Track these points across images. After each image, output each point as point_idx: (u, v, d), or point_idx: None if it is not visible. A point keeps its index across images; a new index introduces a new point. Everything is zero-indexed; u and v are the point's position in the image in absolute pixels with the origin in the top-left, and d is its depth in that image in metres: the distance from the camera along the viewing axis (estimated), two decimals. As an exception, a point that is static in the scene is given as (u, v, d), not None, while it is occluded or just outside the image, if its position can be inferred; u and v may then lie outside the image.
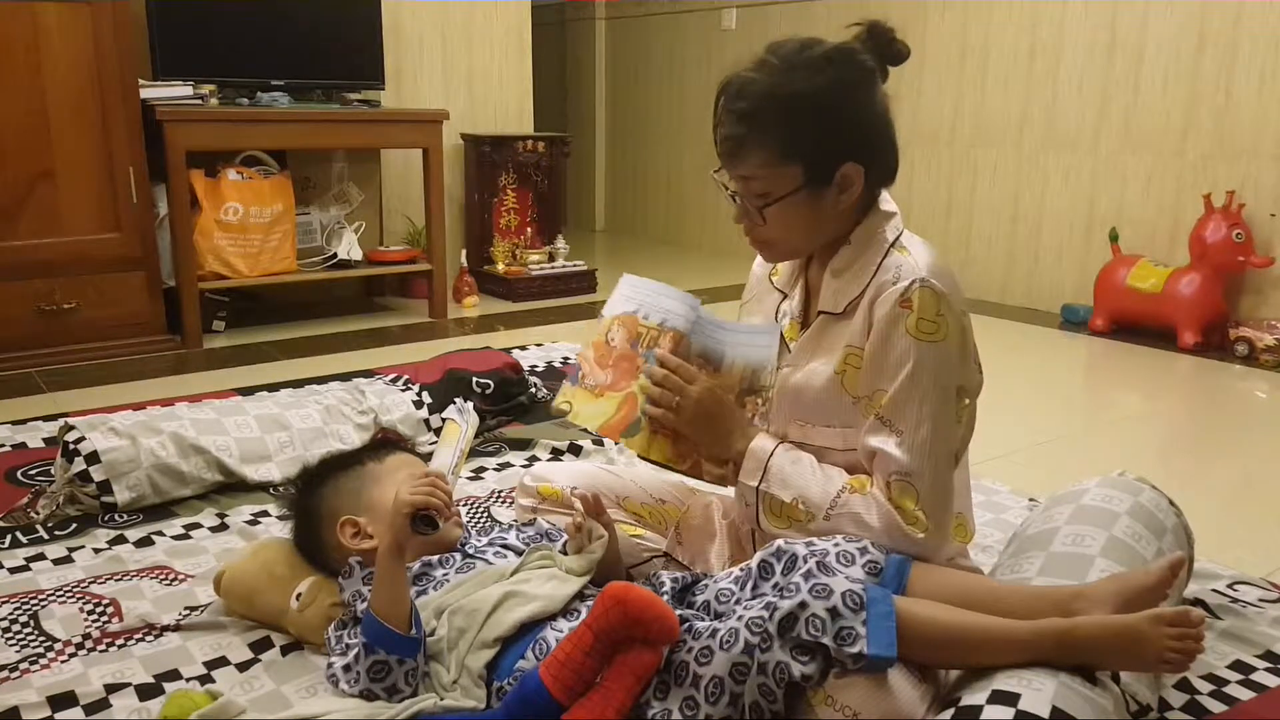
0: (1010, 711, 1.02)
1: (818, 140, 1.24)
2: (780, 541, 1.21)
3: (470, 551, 1.40)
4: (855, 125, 1.26)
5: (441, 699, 1.19)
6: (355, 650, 1.24)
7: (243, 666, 1.41)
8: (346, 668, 1.25)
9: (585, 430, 1.37)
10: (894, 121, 1.30)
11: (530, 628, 1.22)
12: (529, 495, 1.60)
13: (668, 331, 1.37)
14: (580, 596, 1.28)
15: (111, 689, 1.35)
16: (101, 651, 1.44)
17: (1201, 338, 3.48)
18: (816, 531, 1.26)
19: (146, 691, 1.35)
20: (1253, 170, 3.50)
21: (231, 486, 2.06)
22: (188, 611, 1.55)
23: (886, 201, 1.34)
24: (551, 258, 4.46)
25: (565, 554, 1.36)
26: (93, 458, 1.93)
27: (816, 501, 1.26)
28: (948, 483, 1.27)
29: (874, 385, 1.26)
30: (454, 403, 1.65)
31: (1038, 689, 1.05)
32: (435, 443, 2.29)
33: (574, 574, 1.31)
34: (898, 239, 1.31)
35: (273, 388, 2.70)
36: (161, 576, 1.68)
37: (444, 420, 1.59)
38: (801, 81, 1.23)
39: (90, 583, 1.65)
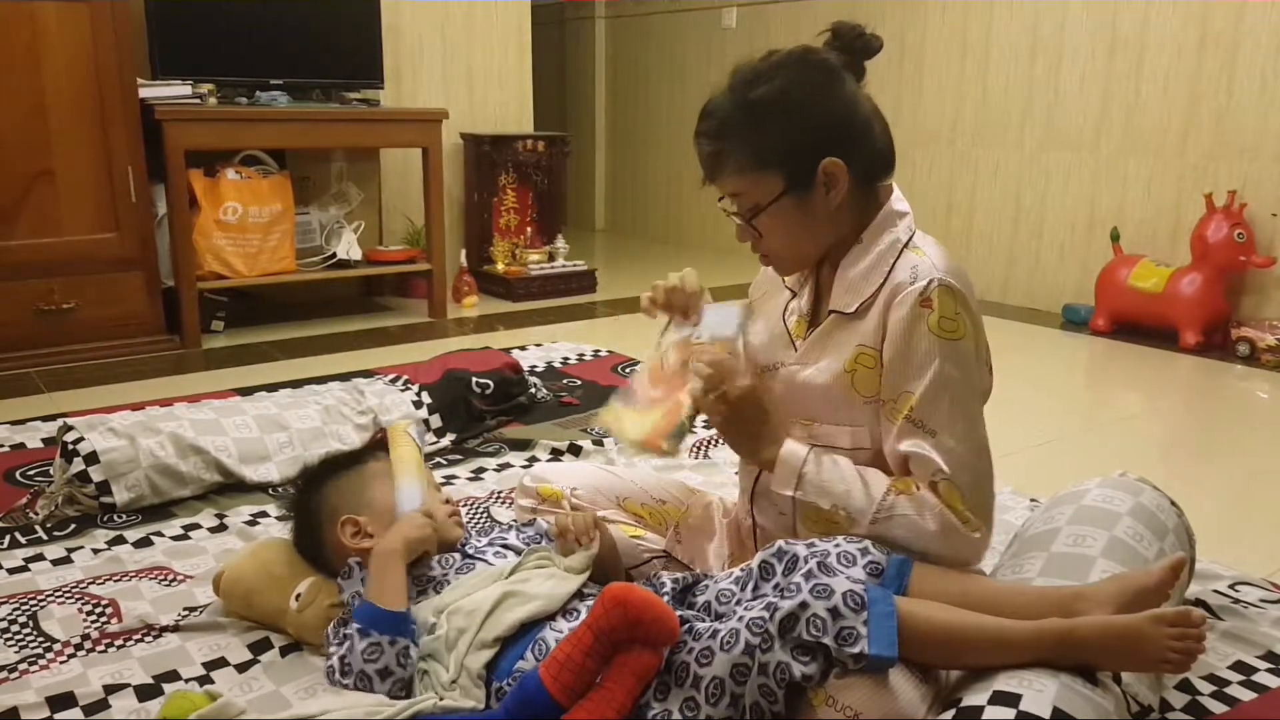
0: (1011, 712, 1.02)
1: (788, 142, 1.25)
2: (781, 542, 1.21)
3: (470, 552, 1.39)
4: (823, 120, 1.26)
5: (441, 699, 1.19)
6: (350, 638, 1.24)
7: (242, 667, 1.41)
8: (342, 657, 1.25)
9: (629, 445, 1.39)
10: (875, 110, 1.30)
11: (529, 628, 1.22)
12: (529, 495, 1.59)
13: (717, 343, 1.37)
14: (580, 595, 1.28)
15: (110, 690, 1.34)
16: (100, 652, 1.44)
17: (1203, 338, 3.47)
18: (860, 536, 1.24)
19: (145, 692, 1.34)
20: (1254, 170, 3.50)
21: (230, 487, 2.06)
22: (187, 612, 1.55)
23: (899, 201, 1.34)
24: (551, 257, 4.46)
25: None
26: (91, 458, 1.93)
27: (860, 507, 1.24)
28: (989, 477, 1.25)
29: (899, 388, 1.25)
30: (403, 421, 1.63)
31: (1039, 689, 1.05)
32: (434, 443, 2.30)
33: (573, 572, 1.31)
34: (910, 239, 1.31)
35: (272, 388, 2.70)
36: (160, 577, 1.68)
37: (383, 430, 1.55)
38: (761, 89, 1.25)
39: (89, 583, 1.65)
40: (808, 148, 1.25)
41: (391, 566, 1.30)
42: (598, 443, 2.34)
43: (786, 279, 1.45)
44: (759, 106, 1.24)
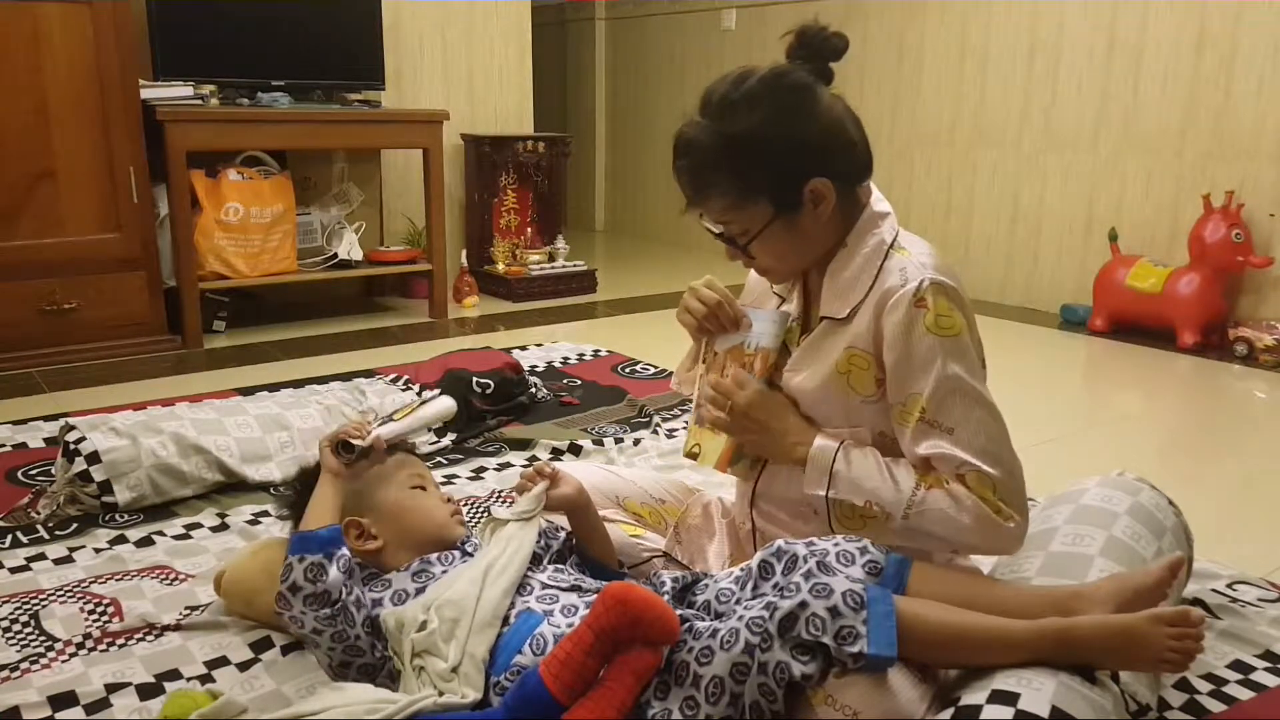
0: (1010, 711, 1.02)
1: (772, 173, 1.25)
2: (780, 541, 1.21)
3: (470, 550, 1.40)
4: (804, 145, 1.26)
5: (440, 694, 1.19)
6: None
7: (243, 666, 1.41)
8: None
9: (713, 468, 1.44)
10: (850, 115, 1.30)
11: (526, 620, 1.22)
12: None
13: (759, 352, 1.39)
14: (579, 592, 1.28)
15: (112, 689, 1.35)
16: (102, 651, 1.45)
17: (1201, 338, 3.48)
18: (895, 531, 1.25)
19: (147, 691, 1.35)
20: (1252, 170, 3.51)
21: (232, 486, 2.07)
22: (188, 611, 1.56)
23: (880, 201, 1.34)
24: (551, 258, 4.46)
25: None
26: (93, 458, 1.93)
27: (891, 502, 1.25)
28: (1017, 465, 1.25)
29: (905, 390, 1.25)
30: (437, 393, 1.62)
31: (1037, 688, 1.05)
32: (435, 443, 2.30)
33: (524, 517, 1.33)
34: (895, 239, 1.31)
35: (273, 388, 2.70)
36: (162, 576, 1.68)
37: (423, 401, 1.54)
38: (740, 123, 1.24)
39: (91, 582, 1.65)
40: (792, 174, 1.26)
41: (321, 495, 1.32)
42: (598, 442, 2.35)
43: (775, 286, 1.46)
44: (739, 142, 1.24)
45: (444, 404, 1.47)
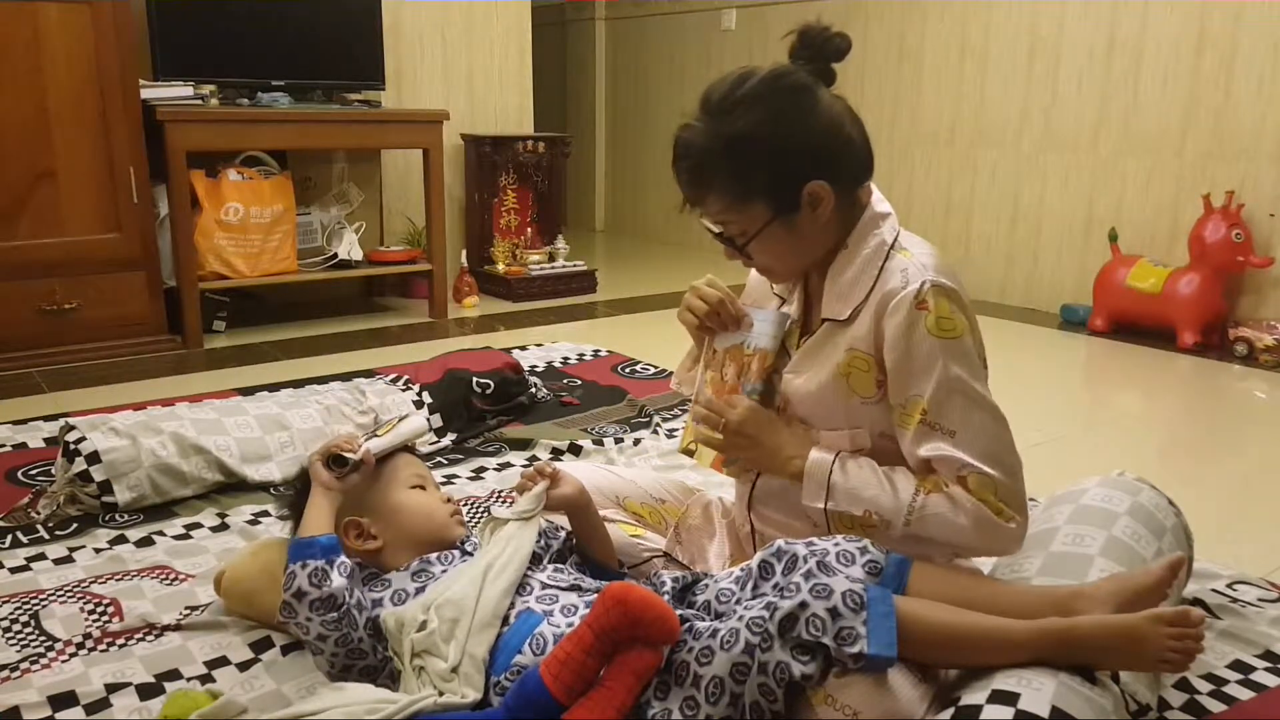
0: (1010, 711, 1.02)
1: (771, 174, 1.25)
2: (780, 541, 1.21)
3: (469, 550, 1.40)
4: (803, 147, 1.26)
5: (440, 694, 1.19)
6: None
7: (243, 666, 1.41)
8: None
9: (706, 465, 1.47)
10: (850, 115, 1.29)
11: (526, 620, 1.22)
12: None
13: (756, 354, 1.39)
14: (579, 591, 1.28)
15: (112, 689, 1.35)
16: (102, 651, 1.45)
17: (1201, 338, 3.48)
18: (897, 538, 1.25)
19: (147, 691, 1.35)
20: (1252, 170, 3.51)
21: (232, 486, 2.07)
22: (188, 611, 1.56)
23: (881, 202, 1.34)
24: (551, 258, 4.46)
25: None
26: (93, 458, 1.93)
27: (890, 510, 1.25)
28: (1017, 466, 1.25)
29: (906, 392, 1.25)
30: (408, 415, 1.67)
31: (1037, 688, 1.05)
32: (435, 443, 2.30)
33: (524, 516, 1.33)
34: (896, 240, 1.31)
35: (273, 388, 2.70)
36: (162, 576, 1.68)
37: (402, 418, 1.57)
38: (739, 123, 1.24)
39: (91, 582, 1.65)
40: (790, 176, 1.25)
41: (313, 508, 1.31)
42: (598, 442, 2.35)
43: (775, 287, 1.46)
44: (738, 142, 1.24)
45: (416, 423, 1.52)
